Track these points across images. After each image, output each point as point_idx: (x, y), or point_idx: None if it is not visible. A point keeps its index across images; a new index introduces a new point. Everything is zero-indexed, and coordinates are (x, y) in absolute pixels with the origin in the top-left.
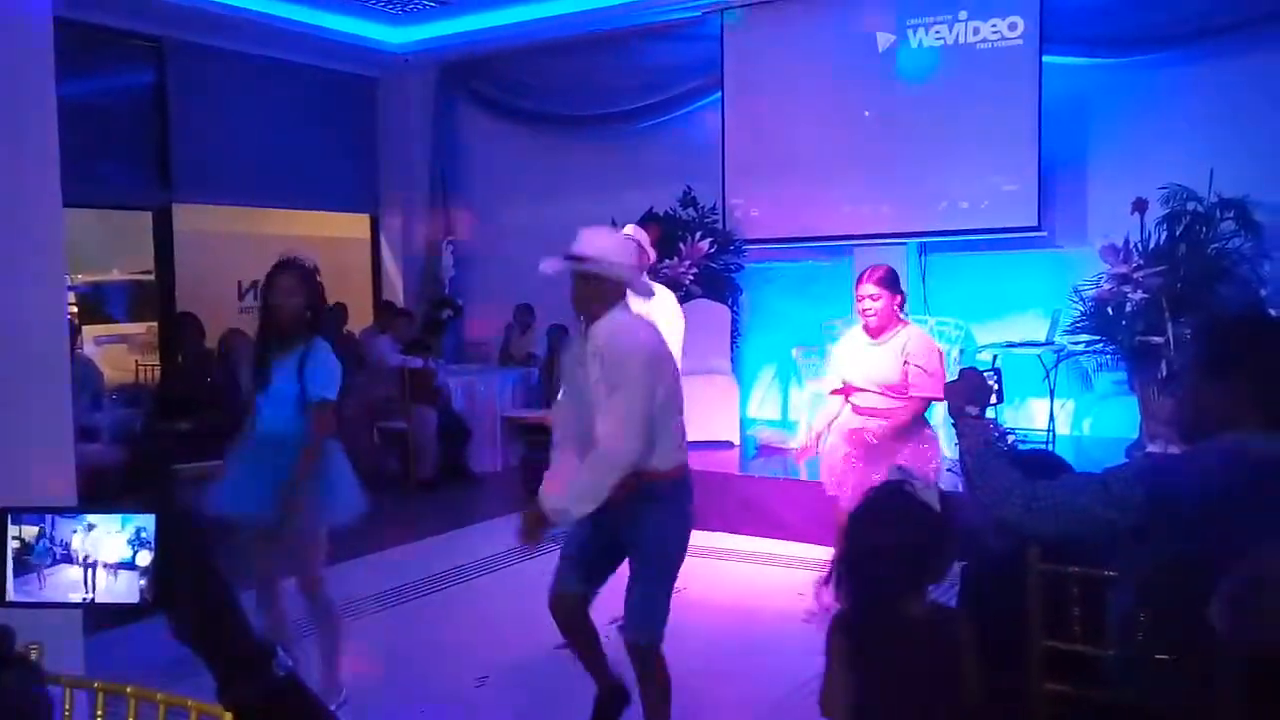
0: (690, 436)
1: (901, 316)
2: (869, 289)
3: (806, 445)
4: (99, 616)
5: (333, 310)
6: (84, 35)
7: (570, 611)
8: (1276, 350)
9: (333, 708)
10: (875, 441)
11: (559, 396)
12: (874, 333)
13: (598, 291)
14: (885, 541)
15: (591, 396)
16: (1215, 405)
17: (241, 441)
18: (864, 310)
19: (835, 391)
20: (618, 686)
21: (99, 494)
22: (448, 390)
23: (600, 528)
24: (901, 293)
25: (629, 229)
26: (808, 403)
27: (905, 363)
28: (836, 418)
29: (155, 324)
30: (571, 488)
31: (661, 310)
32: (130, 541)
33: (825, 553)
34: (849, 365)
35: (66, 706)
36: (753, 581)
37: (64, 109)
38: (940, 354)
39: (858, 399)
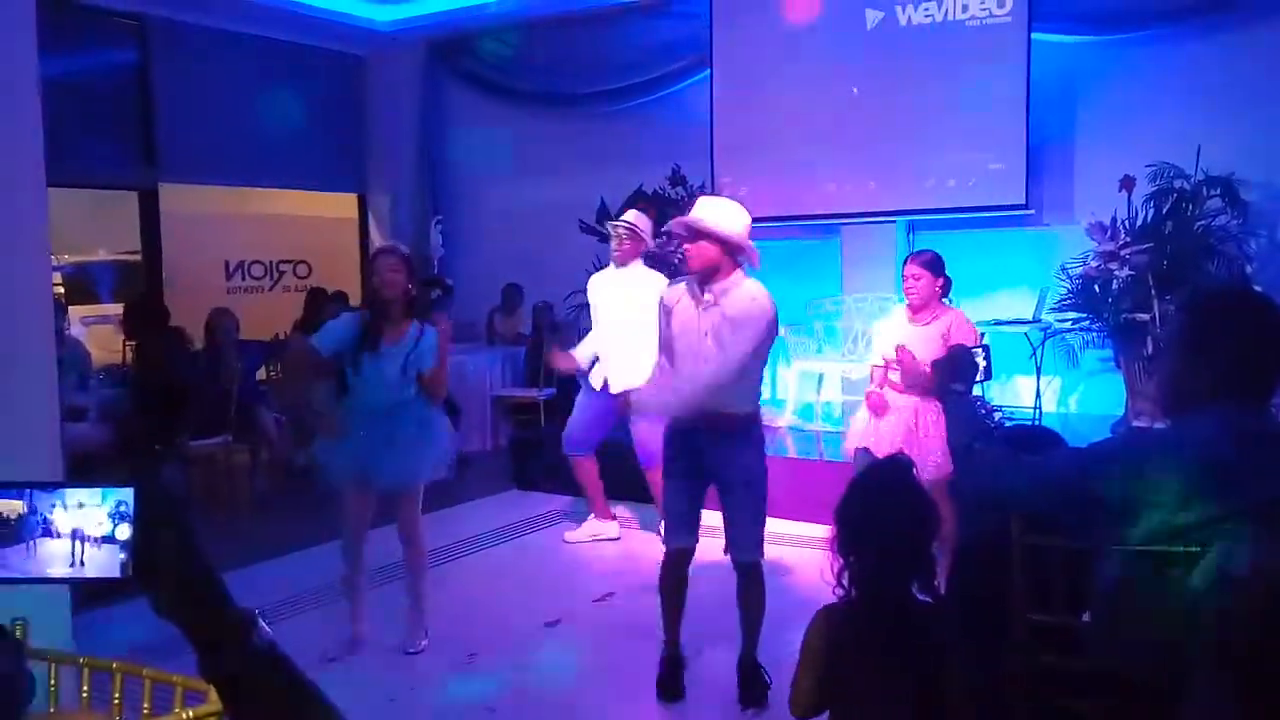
0: None
1: (944, 301)
2: (911, 269)
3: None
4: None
5: (334, 297)
6: (65, 14)
7: (681, 565)
8: (1250, 324)
9: (420, 645)
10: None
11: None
12: (914, 311)
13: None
14: (898, 525)
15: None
16: (1193, 380)
17: (346, 415)
18: (907, 289)
19: (876, 368)
20: (679, 655)
21: (86, 473)
22: None
23: (698, 477)
24: (945, 276)
25: (630, 215)
26: (795, 380)
27: (947, 344)
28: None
29: None
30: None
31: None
32: (111, 515)
33: (814, 530)
34: (889, 343)
35: (52, 682)
36: None
37: (47, 89)
38: (979, 335)
39: (895, 375)
